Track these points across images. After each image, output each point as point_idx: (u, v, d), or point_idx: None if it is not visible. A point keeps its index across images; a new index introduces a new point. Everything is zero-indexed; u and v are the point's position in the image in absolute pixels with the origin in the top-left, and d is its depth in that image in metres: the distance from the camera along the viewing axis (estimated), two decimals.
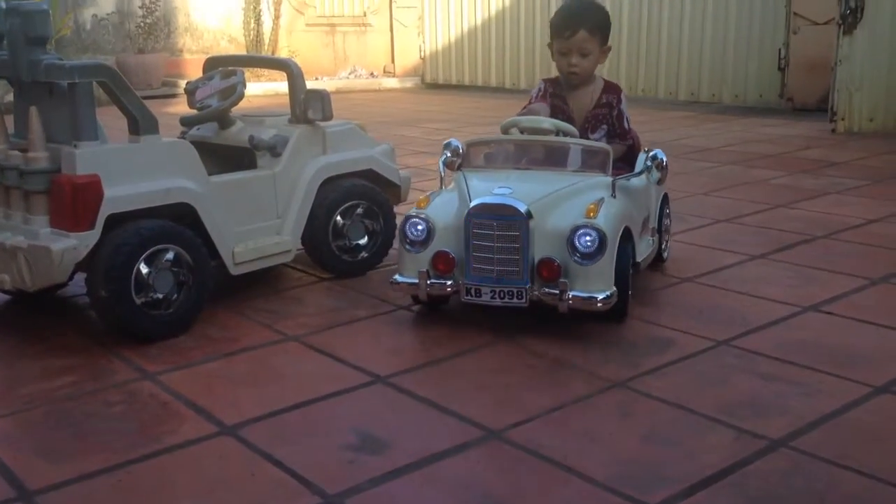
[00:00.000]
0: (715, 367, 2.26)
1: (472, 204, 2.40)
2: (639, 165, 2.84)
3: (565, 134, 2.70)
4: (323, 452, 1.87)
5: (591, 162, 2.64)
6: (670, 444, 1.86)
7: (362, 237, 3.08)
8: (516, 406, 2.05)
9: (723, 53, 8.10)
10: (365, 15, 11.44)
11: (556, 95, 2.89)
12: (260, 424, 2.00)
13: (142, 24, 10.22)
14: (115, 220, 2.39)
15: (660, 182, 2.77)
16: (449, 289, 2.46)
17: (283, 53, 11.18)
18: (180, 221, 2.53)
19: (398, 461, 1.81)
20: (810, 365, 2.25)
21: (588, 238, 2.35)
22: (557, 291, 2.35)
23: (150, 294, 2.43)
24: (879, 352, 2.34)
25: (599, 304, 2.36)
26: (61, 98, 2.41)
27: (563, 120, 2.78)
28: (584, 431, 1.93)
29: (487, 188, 2.47)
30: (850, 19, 6.16)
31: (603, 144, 2.69)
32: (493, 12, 10.01)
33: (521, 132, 2.73)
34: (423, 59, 11.04)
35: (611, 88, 2.90)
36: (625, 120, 2.88)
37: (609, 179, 2.56)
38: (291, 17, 11.76)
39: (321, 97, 2.91)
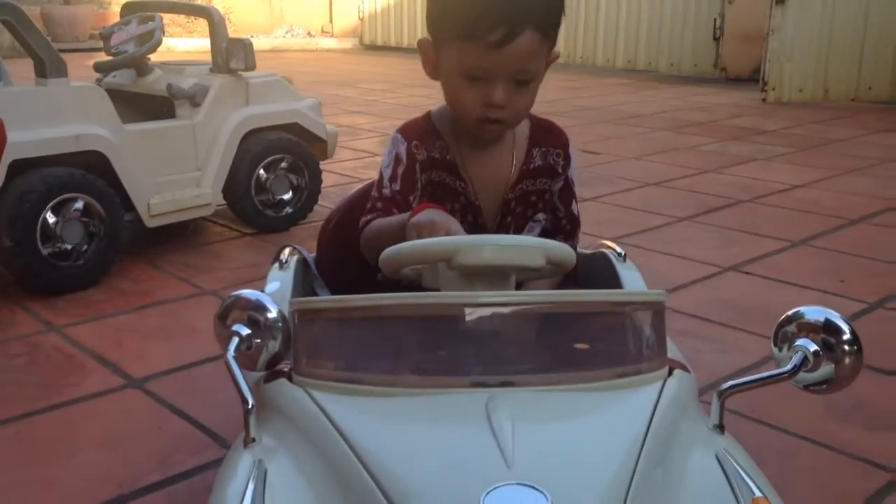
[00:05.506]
0: None
1: None
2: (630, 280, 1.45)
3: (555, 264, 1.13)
4: (232, 406, 1.81)
5: (639, 339, 1.09)
6: None
7: (286, 192, 3.01)
8: None
9: (660, 22, 8.14)
10: None
11: (437, 162, 1.35)
12: (169, 378, 1.94)
13: None
14: (19, 167, 2.28)
15: (834, 387, 1.02)
16: None
17: None
18: (92, 170, 2.43)
19: None
20: (727, 322, 2.27)
21: None
22: None
23: (58, 245, 2.34)
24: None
25: None
26: None
27: (462, 206, 1.37)
28: None
29: (440, 491, 0.82)
30: None
31: (655, 292, 1.10)
32: None
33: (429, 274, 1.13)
34: (361, 19, 10.87)
35: (547, 133, 1.42)
36: (574, 202, 1.45)
37: (687, 386, 1.09)
38: None
39: (244, 46, 2.81)
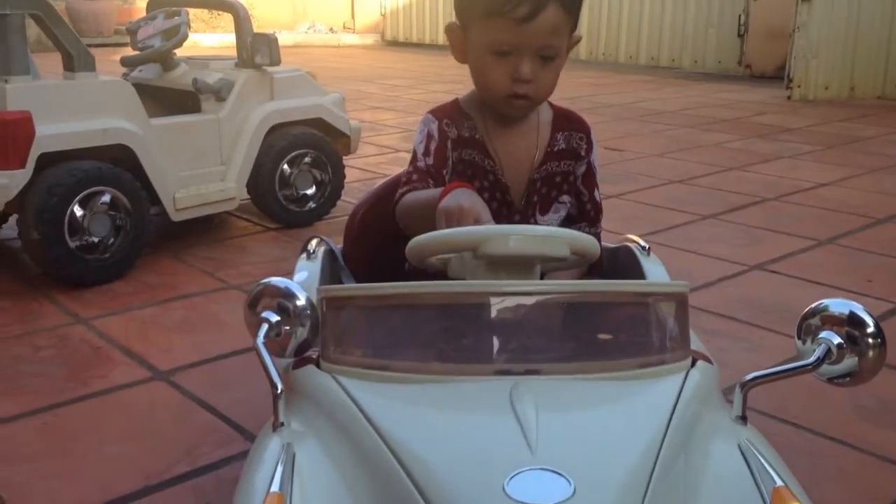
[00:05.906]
0: None
1: None
2: (654, 272, 1.47)
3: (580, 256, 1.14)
4: (258, 399, 1.82)
5: (663, 330, 1.08)
6: None
7: (310, 187, 3.02)
8: None
9: (683, 19, 8.09)
10: None
11: (467, 141, 1.37)
12: (195, 370, 1.95)
13: None
14: (47, 160, 2.30)
15: (858, 380, 1.00)
16: None
17: None
18: (118, 164, 2.45)
19: None
20: (753, 321, 2.25)
21: None
22: None
23: (85, 237, 2.36)
24: None
25: None
26: None
27: (491, 184, 1.37)
28: None
29: (464, 475, 0.82)
30: None
31: (678, 283, 1.11)
32: None
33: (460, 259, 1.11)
34: (383, 15, 10.88)
35: (569, 119, 1.45)
36: (596, 189, 1.47)
37: (710, 377, 1.08)
38: None
39: (268, 41, 2.82)
